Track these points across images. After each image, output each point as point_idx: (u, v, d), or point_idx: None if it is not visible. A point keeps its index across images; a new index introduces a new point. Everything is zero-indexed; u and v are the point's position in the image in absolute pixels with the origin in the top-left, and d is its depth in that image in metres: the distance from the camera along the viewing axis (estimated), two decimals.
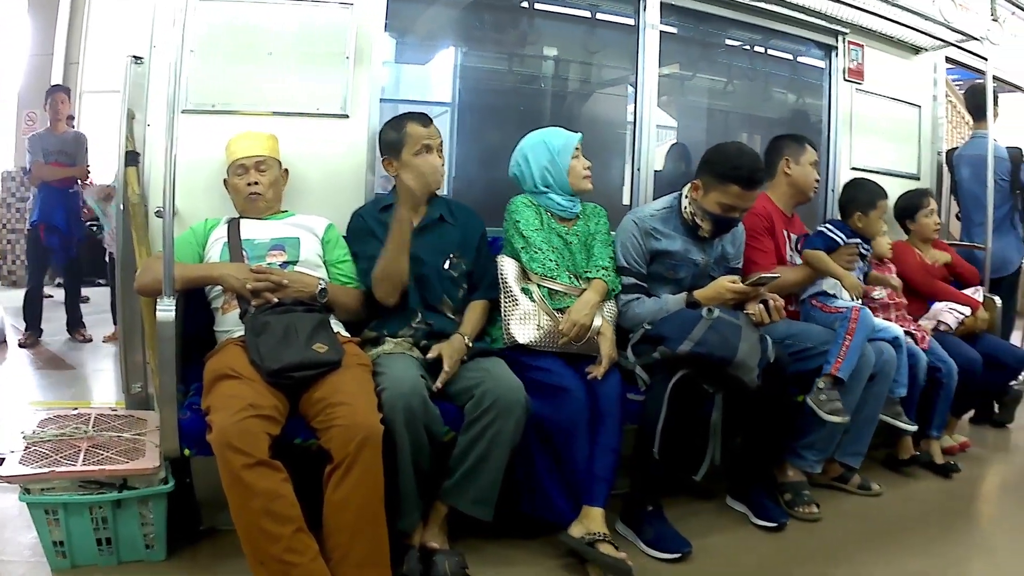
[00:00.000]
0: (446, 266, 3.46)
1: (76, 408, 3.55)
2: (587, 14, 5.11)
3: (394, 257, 3.24)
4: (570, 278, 3.52)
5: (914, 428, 4.15)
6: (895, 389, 4.01)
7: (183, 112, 3.36)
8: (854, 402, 3.80)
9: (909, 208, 5.12)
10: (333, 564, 2.59)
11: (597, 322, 3.41)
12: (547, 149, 3.68)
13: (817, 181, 4.36)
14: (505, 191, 3.78)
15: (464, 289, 3.51)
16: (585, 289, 3.51)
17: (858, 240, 4.21)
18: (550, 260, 3.50)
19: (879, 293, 4.49)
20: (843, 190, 4.60)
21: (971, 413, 5.31)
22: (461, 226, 3.58)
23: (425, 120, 3.51)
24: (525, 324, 3.40)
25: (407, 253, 3.27)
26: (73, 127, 7.55)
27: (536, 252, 3.50)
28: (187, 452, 2.87)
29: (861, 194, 4.42)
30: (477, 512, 3.02)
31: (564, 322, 3.36)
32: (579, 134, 3.75)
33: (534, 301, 3.43)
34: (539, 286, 3.45)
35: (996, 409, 5.51)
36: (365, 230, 3.47)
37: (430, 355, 3.17)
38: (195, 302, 3.27)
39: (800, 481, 3.86)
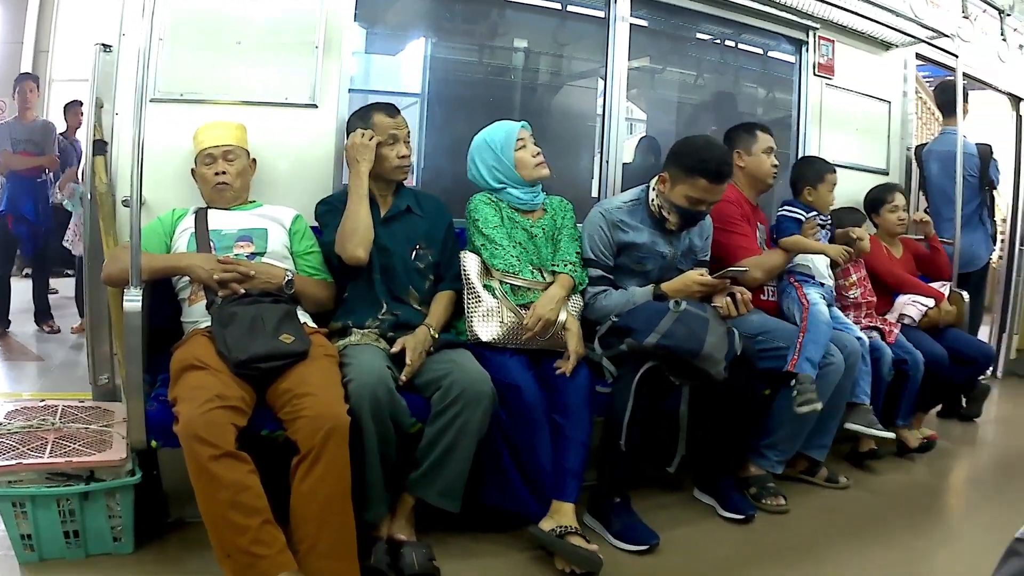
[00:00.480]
0: (412, 257, 3.45)
1: (43, 400, 3.51)
2: (558, 6, 5.12)
3: (356, 208, 3.28)
4: (533, 273, 3.53)
5: (892, 436, 4.19)
6: (857, 394, 4.06)
7: (151, 101, 3.36)
8: (828, 393, 3.82)
9: (875, 202, 5.18)
10: (300, 555, 2.58)
11: (562, 317, 3.42)
12: (489, 148, 3.67)
13: (775, 167, 4.35)
14: (473, 183, 3.78)
15: (430, 280, 3.51)
16: (550, 284, 3.52)
17: (815, 213, 4.28)
18: (511, 256, 3.50)
19: (854, 293, 4.55)
20: (792, 169, 4.68)
21: (938, 407, 5.35)
22: (428, 217, 3.57)
23: (392, 110, 3.51)
24: (488, 321, 3.40)
25: (367, 204, 3.30)
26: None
27: (497, 248, 3.50)
28: (154, 444, 2.86)
29: (808, 170, 4.51)
30: (444, 504, 3.03)
31: (529, 317, 3.36)
32: (521, 123, 3.74)
33: (497, 297, 3.43)
34: (501, 282, 3.45)
35: (963, 404, 5.56)
36: (332, 210, 3.44)
37: (394, 348, 3.17)
38: (162, 293, 3.26)
39: (764, 475, 3.89)
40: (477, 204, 3.61)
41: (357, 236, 3.25)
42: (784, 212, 4.29)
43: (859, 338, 4.11)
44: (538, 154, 3.67)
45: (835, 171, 4.51)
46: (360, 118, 3.50)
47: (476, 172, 3.70)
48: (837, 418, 4.04)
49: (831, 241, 4.45)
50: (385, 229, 3.41)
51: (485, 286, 3.44)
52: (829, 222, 4.47)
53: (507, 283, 3.46)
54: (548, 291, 3.46)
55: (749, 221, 4.23)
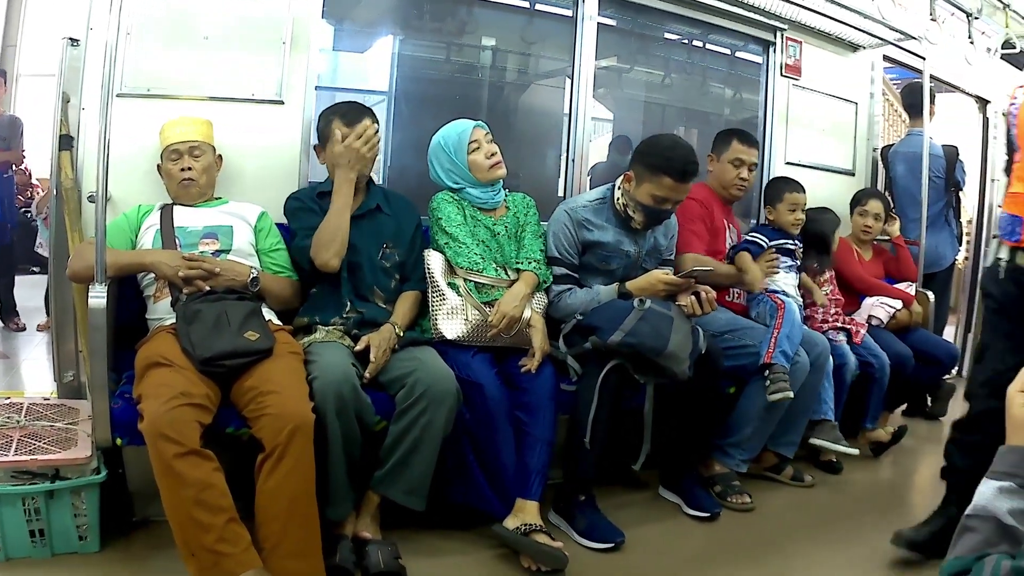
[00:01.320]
0: (379, 256, 3.45)
1: (8, 397, 3.50)
2: (526, 5, 5.12)
3: (338, 219, 3.28)
4: (497, 270, 3.54)
5: (856, 453, 4.25)
6: (824, 411, 4.13)
7: (118, 96, 3.34)
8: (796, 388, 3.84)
9: (852, 203, 5.26)
10: (265, 554, 2.57)
11: (527, 314, 3.43)
12: (443, 150, 3.66)
13: (743, 179, 4.37)
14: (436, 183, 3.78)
15: (396, 280, 3.50)
16: (514, 281, 3.53)
17: (784, 240, 4.34)
18: (475, 254, 3.50)
19: (821, 304, 4.60)
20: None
21: (904, 406, 5.40)
22: (396, 216, 3.57)
23: (351, 118, 3.43)
24: (452, 319, 3.39)
25: (348, 213, 3.30)
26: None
27: (460, 247, 3.50)
28: (119, 441, 2.85)
29: (771, 189, 4.59)
30: (409, 502, 3.03)
31: (494, 314, 3.36)
32: (473, 124, 3.69)
33: (461, 295, 3.42)
34: (466, 280, 3.45)
35: (929, 403, 5.61)
36: (303, 208, 3.44)
37: (358, 346, 3.16)
38: (128, 289, 3.25)
39: (728, 472, 3.91)
40: (439, 203, 3.60)
41: (334, 247, 3.26)
42: (749, 236, 4.36)
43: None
44: (493, 155, 3.64)
45: (799, 191, 4.48)
46: (323, 118, 3.50)
47: (434, 173, 3.70)
48: (806, 415, 4.09)
49: (800, 270, 4.51)
50: (354, 227, 3.37)
51: (449, 284, 3.44)
52: (799, 246, 4.50)
53: (471, 281, 3.45)
54: (512, 288, 3.46)
55: (707, 221, 4.26)
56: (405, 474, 3.00)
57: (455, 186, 3.64)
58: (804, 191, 4.48)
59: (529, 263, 3.58)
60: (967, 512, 1.51)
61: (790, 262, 4.41)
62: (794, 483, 4.13)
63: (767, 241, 4.29)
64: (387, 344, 3.18)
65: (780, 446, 4.11)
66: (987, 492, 1.52)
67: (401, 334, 3.27)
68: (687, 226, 4.10)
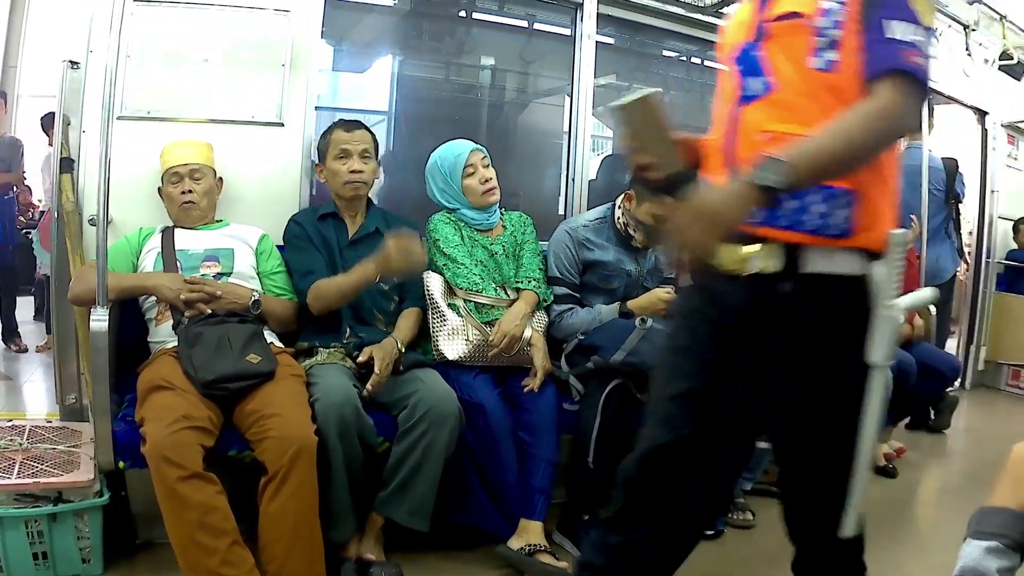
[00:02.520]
0: (379, 279, 3.39)
1: (11, 420, 3.50)
2: (524, 24, 5.14)
3: (345, 295, 3.26)
4: (496, 290, 3.54)
5: None
6: None
7: (118, 118, 3.32)
8: None
9: None
10: None
11: (527, 333, 3.43)
12: (439, 171, 3.66)
13: None
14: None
15: (395, 301, 3.50)
16: (514, 300, 3.53)
17: None
18: (474, 274, 3.51)
19: None
20: None
21: (907, 420, 5.39)
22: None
23: (350, 125, 3.50)
24: (454, 339, 3.40)
25: (359, 288, 3.26)
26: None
27: (459, 267, 3.50)
28: (122, 464, 2.84)
29: None
30: (413, 523, 3.02)
31: (495, 333, 3.37)
32: (470, 148, 3.67)
33: (461, 316, 3.43)
34: (465, 301, 3.45)
35: (932, 415, 5.60)
36: (302, 237, 3.44)
37: (361, 357, 3.15)
38: (130, 312, 3.25)
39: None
40: (436, 224, 3.61)
41: (329, 305, 3.29)
42: None
43: None
44: (488, 180, 3.63)
45: None
46: (323, 135, 3.52)
47: (431, 191, 3.70)
48: None
49: None
50: (352, 251, 3.39)
51: (449, 305, 3.45)
52: None
53: (471, 301, 3.46)
54: (512, 307, 3.48)
55: None
56: (408, 495, 2.99)
57: (450, 206, 3.65)
58: None
59: (529, 282, 3.59)
60: (955, 575, 1.52)
61: None
62: None
63: None
64: (390, 357, 3.17)
65: None
66: (974, 553, 1.53)
67: (403, 349, 3.27)
68: None
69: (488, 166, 3.66)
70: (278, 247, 3.50)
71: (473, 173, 3.61)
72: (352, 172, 3.43)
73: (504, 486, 3.22)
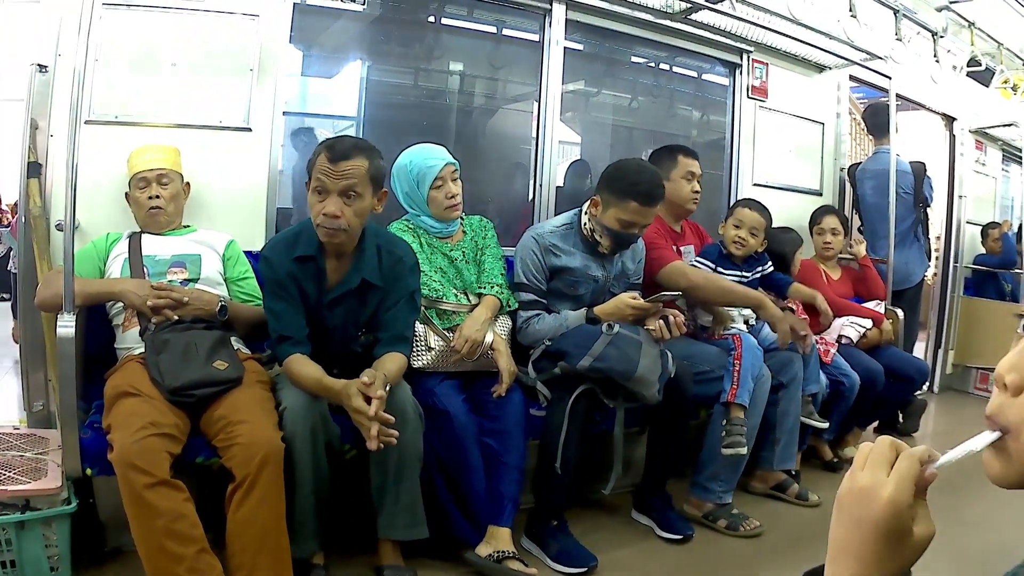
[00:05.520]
0: (354, 341, 3.18)
1: None
2: (493, 30, 5.15)
3: (322, 390, 2.87)
4: (457, 296, 3.54)
5: (826, 425, 4.33)
6: (806, 387, 4.16)
7: (86, 123, 3.32)
8: (758, 421, 3.89)
9: (809, 224, 5.28)
10: None
11: (489, 337, 3.42)
12: (408, 175, 3.57)
13: (696, 192, 4.30)
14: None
15: (369, 342, 3.20)
16: (475, 305, 3.53)
17: (733, 272, 4.26)
18: (434, 281, 3.48)
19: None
20: None
21: (875, 423, 5.43)
22: (386, 284, 3.15)
23: (336, 152, 2.90)
24: (416, 347, 3.37)
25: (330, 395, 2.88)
26: None
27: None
28: (89, 472, 2.84)
29: (730, 206, 4.58)
30: (414, 535, 3.03)
31: (456, 339, 3.36)
32: (444, 162, 3.53)
33: (423, 323, 3.40)
34: (426, 308, 3.42)
35: (900, 419, 5.64)
36: (275, 282, 3.03)
37: (364, 378, 2.75)
38: (96, 318, 3.24)
39: (724, 504, 3.86)
40: (395, 232, 3.51)
41: (304, 388, 2.93)
42: (696, 259, 4.32)
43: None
44: (453, 196, 3.55)
45: (750, 207, 4.33)
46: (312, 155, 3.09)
47: (393, 188, 3.62)
48: (798, 427, 4.16)
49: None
50: (328, 312, 3.12)
51: None
52: (770, 267, 4.50)
53: (432, 308, 3.45)
54: (474, 312, 3.46)
55: (668, 239, 4.23)
56: (400, 508, 2.98)
57: (411, 210, 3.62)
58: (758, 210, 4.31)
59: (491, 287, 3.58)
60: None
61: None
62: (799, 502, 4.19)
63: (711, 265, 4.23)
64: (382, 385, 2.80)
65: (784, 463, 4.15)
66: None
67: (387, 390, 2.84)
68: (655, 245, 4.06)
69: (456, 180, 3.59)
70: (245, 252, 3.50)
71: (441, 187, 3.53)
72: (325, 215, 2.91)
73: (471, 492, 3.22)
